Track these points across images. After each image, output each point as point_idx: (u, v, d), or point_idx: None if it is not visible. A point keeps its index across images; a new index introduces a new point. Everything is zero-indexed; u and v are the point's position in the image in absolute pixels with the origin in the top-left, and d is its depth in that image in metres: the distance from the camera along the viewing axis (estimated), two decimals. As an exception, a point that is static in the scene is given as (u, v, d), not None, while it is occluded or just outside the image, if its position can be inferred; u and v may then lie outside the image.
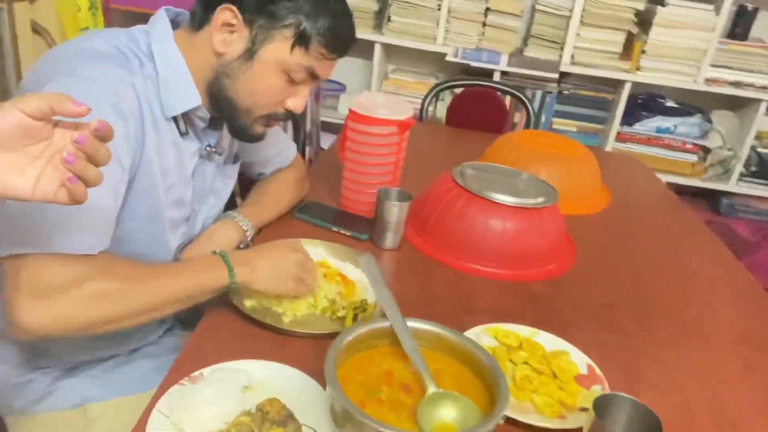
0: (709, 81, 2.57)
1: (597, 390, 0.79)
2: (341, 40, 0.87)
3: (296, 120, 1.72)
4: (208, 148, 0.94)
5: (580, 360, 0.84)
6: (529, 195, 1.15)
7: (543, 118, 2.76)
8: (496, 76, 2.58)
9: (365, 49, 2.67)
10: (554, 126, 2.77)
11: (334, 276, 0.96)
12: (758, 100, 2.54)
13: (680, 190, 2.75)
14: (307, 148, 2.69)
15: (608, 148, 2.70)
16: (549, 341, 0.88)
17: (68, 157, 0.51)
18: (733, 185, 2.72)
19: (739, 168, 2.68)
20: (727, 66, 2.55)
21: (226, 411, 0.66)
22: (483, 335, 0.88)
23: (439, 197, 1.18)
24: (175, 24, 0.89)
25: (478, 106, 2.17)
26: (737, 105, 2.73)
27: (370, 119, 1.15)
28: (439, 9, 2.58)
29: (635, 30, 2.56)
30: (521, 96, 2.06)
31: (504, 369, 0.81)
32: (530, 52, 2.67)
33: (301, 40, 0.83)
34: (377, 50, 2.64)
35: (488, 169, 1.25)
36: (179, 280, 0.77)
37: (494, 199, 1.12)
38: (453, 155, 1.66)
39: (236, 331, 0.84)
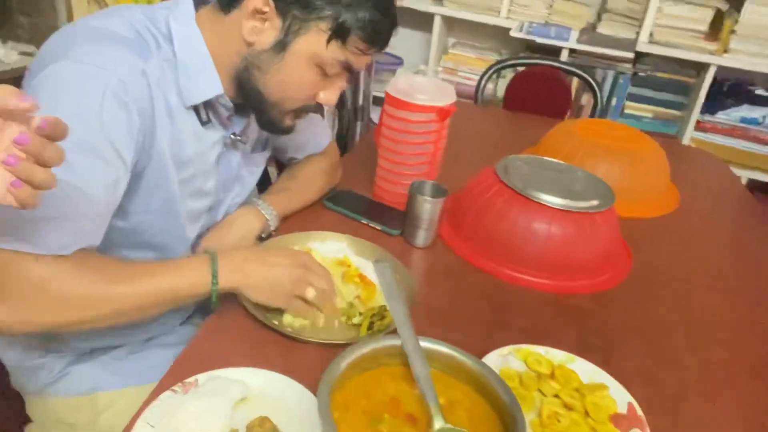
0: (808, 67, 2.28)
1: (636, 436, 0.69)
2: (382, 35, 0.79)
3: (342, 96, 1.64)
4: (233, 137, 0.88)
5: (620, 396, 0.74)
6: (581, 196, 1.03)
7: (614, 101, 2.55)
8: (564, 55, 2.40)
9: (424, 21, 2.54)
10: (626, 111, 2.56)
11: (353, 277, 0.90)
12: None
13: (765, 188, 2.49)
14: (358, 123, 2.62)
15: (686, 137, 2.47)
16: (587, 370, 0.78)
17: (8, 159, 0.46)
18: (827, 185, 2.44)
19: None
20: (831, 50, 2.26)
21: (214, 428, 0.61)
22: (511, 357, 0.79)
23: (478, 194, 1.08)
24: (202, 1, 0.82)
25: (539, 87, 2.02)
26: (840, 95, 2.42)
27: (407, 104, 1.06)
28: (505, -20, 2.41)
29: (725, 6, 2.30)
30: (588, 78, 1.90)
31: (530, 400, 0.72)
32: (604, 28, 2.45)
33: (339, 33, 0.76)
34: (437, 22, 2.50)
35: (537, 164, 1.14)
36: (156, 284, 0.70)
37: (539, 199, 1.01)
38: (505, 144, 1.55)
39: (244, 333, 0.79)
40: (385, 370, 0.69)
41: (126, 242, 0.81)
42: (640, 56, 2.45)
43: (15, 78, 1.35)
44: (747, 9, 2.22)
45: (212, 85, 0.79)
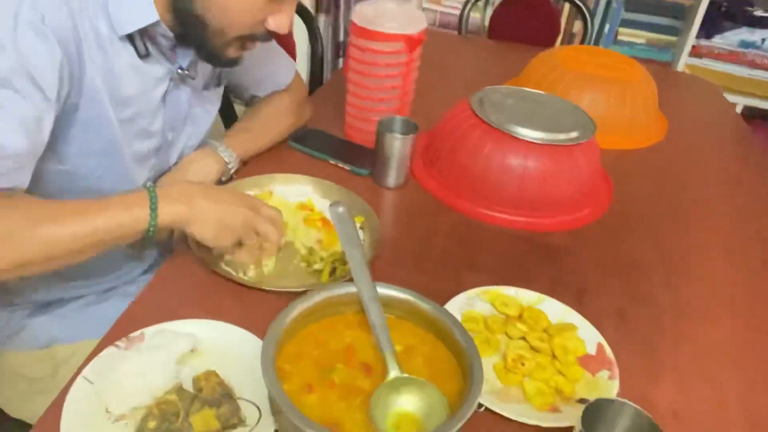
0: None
1: (603, 377, 0.66)
2: None
3: (313, 28, 1.54)
4: (179, 71, 0.81)
5: (589, 337, 0.71)
6: (560, 128, 0.97)
7: (607, 27, 2.43)
8: (554, -21, 2.26)
9: (407, -53, 2.38)
10: (619, 37, 2.44)
11: (315, 221, 0.85)
12: None
13: (764, 115, 2.42)
14: (340, 60, 2.51)
15: (680, 63, 2.37)
16: (557, 311, 0.74)
17: None
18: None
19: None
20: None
21: (154, 385, 0.58)
22: (477, 300, 0.75)
23: (452, 128, 1.02)
24: None
25: (526, 15, 1.91)
26: None
27: (373, 33, 0.98)
28: None
29: None
30: (577, 2, 1.79)
31: (495, 343, 0.70)
32: (597, -52, 2.31)
33: None
34: (420, -52, 2.35)
35: (515, 95, 1.07)
36: (89, 224, 0.64)
37: (515, 133, 0.95)
38: (486, 76, 1.47)
39: (197, 284, 0.75)
40: (341, 318, 0.66)
41: (69, 188, 0.76)
42: (634, -22, 2.31)
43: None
44: None
45: (145, 12, 0.71)
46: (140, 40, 0.74)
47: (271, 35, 0.78)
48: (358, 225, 0.85)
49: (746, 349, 0.76)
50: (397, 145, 0.95)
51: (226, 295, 0.74)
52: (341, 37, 2.48)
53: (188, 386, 0.60)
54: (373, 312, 0.62)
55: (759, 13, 2.29)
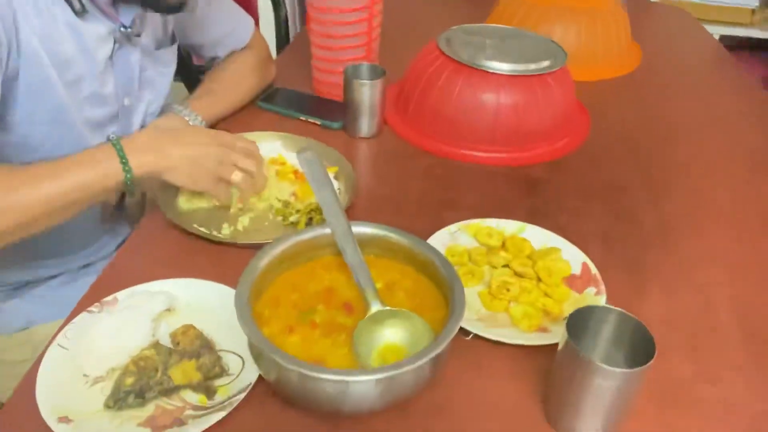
0: None
1: (590, 294, 0.65)
2: None
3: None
4: (122, 30, 0.77)
5: (574, 257, 0.70)
6: (530, 59, 0.95)
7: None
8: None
9: None
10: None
11: (287, 174, 0.83)
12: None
13: (739, 43, 2.39)
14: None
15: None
16: (540, 237, 0.73)
17: None
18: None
19: (810, 12, 2.28)
20: None
21: (130, 344, 0.57)
22: (460, 234, 0.74)
23: (421, 71, 0.99)
24: None
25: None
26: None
27: (330, -21, 0.95)
28: None
29: None
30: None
31: (480, 274, 0.68)
32: None
33: None
34: None
35: (483, 32, 1.04)
36: (61, 185, 0.62)
37: (485, 67, 0.92)
38: (454, 21, 1.43)
39: (172, 243, 0.73)
40: (318, 263, 0.64)
41: (22, 159, 0.73)
42: None
43: None
44: None
45: None
46: None
47: None
48: (332, 175, 0.83)
49: (735, 256, 0.75)
50: (366, 90, 0.93)
51: (200, 255, 0.72)
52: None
53: (165, 342, 0.58)
54: (349, 250, 0.60)
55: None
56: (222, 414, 0.51)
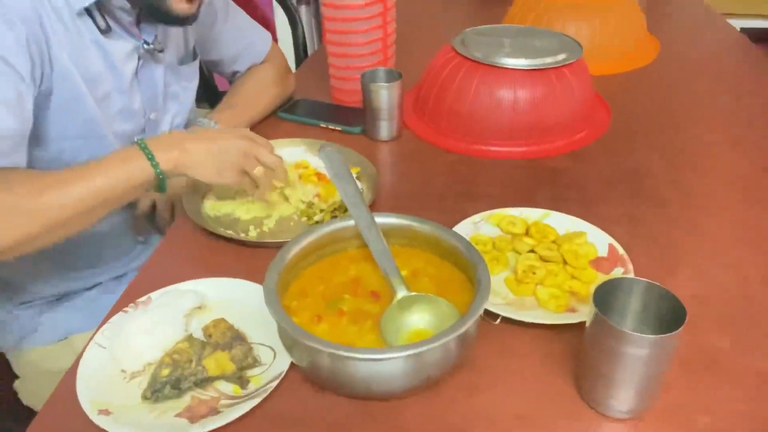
0: None
1: (618, 273, 0.64)
2: None
3: (293, 15, 1.54)
4: (146, 46, 0.81)
5: (600, 240, 0.69)
6: (545, 54, 0.96)
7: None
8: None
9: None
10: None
11: (310, 176, 0.84)
12: None
13: (763, 35, 2.35)
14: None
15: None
16: (564, 223, 0.73)
17: None
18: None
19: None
20: None
21: (164, 339, 0.58)
22: (483, 224, 0.74)
23: (437, 72, 1.00)
24: None
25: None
26: None
27: (343, -12, 0.97)
28: None
29: None
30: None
31: (505, 261, 0.68)
32: None
33: None
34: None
35: (497, 32, 1.05)
36: (90, 185, 0.64)
37: (500, 64, 0.93)
38: (468, 25, 1.45)
39: (201, 247, 0.75)
40: (345, 255, 0.65)
41: None
42: None
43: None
44: None
45: None
46: (99, 14, 0.74)
47: None
48: (354, 176, 0.84)
49: (765, 232, 0.73)
50: (384, 93, 0.94)
51: (228, 256, 0.73)
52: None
53: (198, 336, 0.59)
54: (372, 239, 0.61)
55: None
56: (256, 401, 0.52)
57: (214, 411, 0.53)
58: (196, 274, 0.69)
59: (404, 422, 0.52)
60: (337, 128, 1.01)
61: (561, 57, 0.96)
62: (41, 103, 0.70)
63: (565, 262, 0.66)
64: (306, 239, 0.61)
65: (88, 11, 0.72)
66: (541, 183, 0.86)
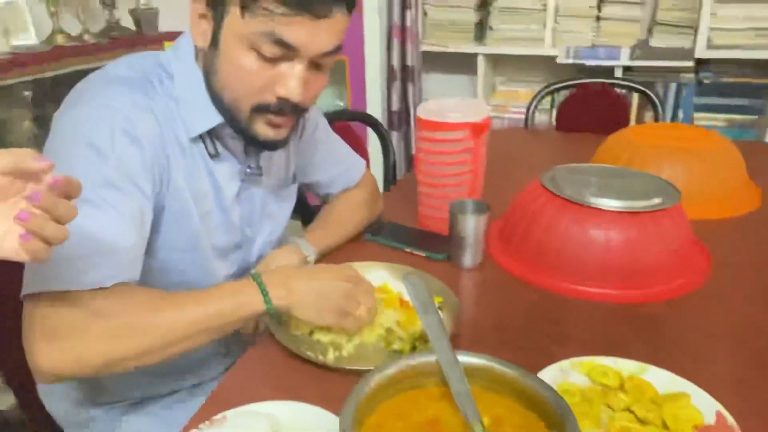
0: None
1: (730, 449, 0.57)
2: None
3: (384, 138, 1.63)
4: (249, 170, 0.87)
5: (706, 405, 0.63)
6: (640, 196, 0.94)
7: (681, 114, 2.40)
8: (618, 73, 2.31)
9: (468, 63, 2.54)
10: (696, 122, 2.39)
11: (392, 302, 0.84)
12: None
13: None
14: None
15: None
16: (664, 380, 0.67)
17: (20, 214, 0.49)
18: None
19: None
20: None
21: (235, 462, 0.57)
22: (572, 372, 0.69)
23: (525, 207, 1.01)
24: None
25: (593, 106, 1.93)
26: None
27: (439, 124, 1.03)
28: (544, 9, 2.38)
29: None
30: (641, 88, 1.80)
31: (595, 417, 0.63)
32: (657, 41, 2.34)
33: (245, 0, 0.69)
34: (480, 62, 2.49)
35: (588, 171, 1.06)
36: (203, 310, 0.69)
37: (592, 204, 0.92)
38: (555, 162, 1.47)
39: (279, 367, 0.75)
40: (423, 392, 0.62)
41: (158, 282, 0.81)
42: (701, 63, 2.31)
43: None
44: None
45: (208, 115, 0.78)
46: (210, 141, 0.81)
47: (285, 103, 0.76)
48: (437, 305, 0.83)
49: None
50: (471, 224, 0.95)
51: (306, 378, 0.73)
52: (412, 151, 2.60)
53: (269, 464, 0.57)
54: (454, 379, 0.59)
55: None
56: None
57: None
58: (272, 394, 0.68)
59: None
60: (422, 254, 1.02)
61: (656, 201, 0.94)
62: (155, 217, 0.76)
63: (665, 427, 0.60)
64: (387, 371, 0.60)
65: (201, 137, 0.80)
66: (636, 332, 0.80)
